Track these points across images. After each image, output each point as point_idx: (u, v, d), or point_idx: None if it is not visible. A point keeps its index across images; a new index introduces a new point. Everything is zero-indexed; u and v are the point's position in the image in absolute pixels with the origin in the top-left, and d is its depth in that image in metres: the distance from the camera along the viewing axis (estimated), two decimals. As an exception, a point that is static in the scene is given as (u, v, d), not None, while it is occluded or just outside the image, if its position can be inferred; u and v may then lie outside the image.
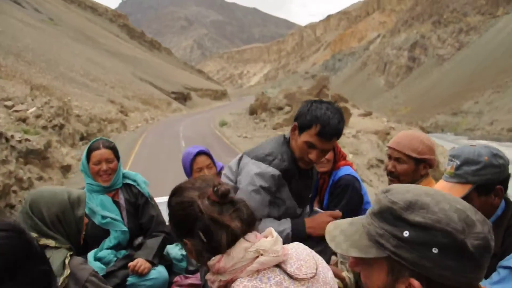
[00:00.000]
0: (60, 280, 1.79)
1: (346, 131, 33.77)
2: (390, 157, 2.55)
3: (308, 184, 2.56)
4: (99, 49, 57.37)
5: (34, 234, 1.85)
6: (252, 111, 35.17)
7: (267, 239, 1.34)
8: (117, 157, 2.88)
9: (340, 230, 1.14)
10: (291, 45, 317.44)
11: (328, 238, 1.15)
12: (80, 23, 68.35)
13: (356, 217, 1.15)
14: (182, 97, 57.75)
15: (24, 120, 13.03)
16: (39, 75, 31.20)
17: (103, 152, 2.79)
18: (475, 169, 1.87)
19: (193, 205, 1.35)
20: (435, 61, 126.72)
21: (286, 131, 2.54)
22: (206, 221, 1.32)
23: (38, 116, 13.63)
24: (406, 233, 0.94)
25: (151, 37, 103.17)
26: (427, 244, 0.92)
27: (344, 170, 3.05)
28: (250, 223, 1.37)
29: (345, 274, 2.23)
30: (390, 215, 0.98)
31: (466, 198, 1.81)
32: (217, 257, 1.31)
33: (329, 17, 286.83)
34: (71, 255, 1.91)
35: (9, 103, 13.99)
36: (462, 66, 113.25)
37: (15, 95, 14.98)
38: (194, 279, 2.71)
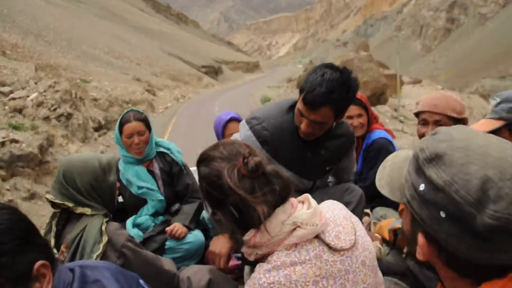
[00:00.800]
0: (100, 247, 1.85)
1: (405, 102, 30.26)
2: (425, 122, 2.42)
3: (313, 156, 2.29)
4: (125, 25, 54.44)
5: (70, 204, 1.94)
6: (301, 84, 31.53)
7: (304, 211, 1.28)
8: (148, 128, 2.86)
9: (391, 163, 1.10)
10: (319, 12, 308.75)
11: (380, 167, 1.13)
12: (105, 0, 65.45)
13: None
14: (213, 71, 54.40)
15: (20, 110, 10.08)
16: (59, 55, 28.47)
17: (134, 125, 2.79)
18: (511, 106, 1.89)
19: (221, 179, 1.27)
20: (477, 21, 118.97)
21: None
22: (236, 198, 1.24)
23: (39, 105, 10.62)
24: (422, 186, 0.88)
25: (178, 11, 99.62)
26: (436, 205, 0.85)
27: (377, 134, 3.00)
28: (286, 196, 1.30)
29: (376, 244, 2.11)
30: (416, 162, 0.93)
31: (497, 134, 1.79)
32: (252, 231, 1.26)
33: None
34: (107, 221, 1.96)
35: (5, 89, 11.07)
36: (508, 25, 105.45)
37: (16, 79, 12.01)
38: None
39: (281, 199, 1.27)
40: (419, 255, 0.94)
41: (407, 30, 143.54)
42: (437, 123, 2.37)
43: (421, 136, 2.40)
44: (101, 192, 2.02)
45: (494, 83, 76.14)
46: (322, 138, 2.28)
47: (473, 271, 0.88)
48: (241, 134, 2.29)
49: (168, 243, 2.67)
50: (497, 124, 1.90)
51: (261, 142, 2.23)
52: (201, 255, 2.75)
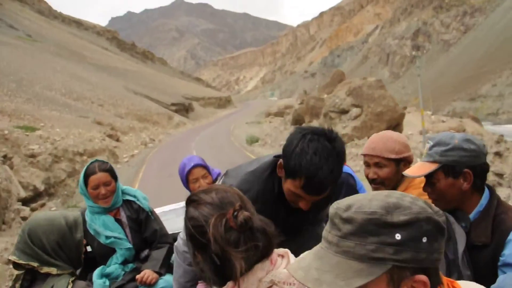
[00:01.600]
0: None
1: (407, 131, 27.09)
2: (368, 164, 2.51)
3: (298, 218, 2.13)
4: (84, 63, 50.50)
5: (35, 264, 1.90)
6: (297, 119, 27.39)
7: (282, 270, 1.26)
8: (114, 177, 2.86)
9: (315, 269, 1.00)
10: (285, 46, 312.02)
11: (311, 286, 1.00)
12: (63, 38, 61.54)
13: (306, 252, 1.05)
14: (184, 109, 50.62)
15: None
16: (5, 99, 24.40)
17: (99, 176, 2.79)
18: (444, 149, 1.95)
19: (207, 226, 1.26)
20: (441, 47, 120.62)
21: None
22: (219, 248, 1.23)
23: None
24: (398, 236, 0.92)
25: (144, 48, 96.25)
26: (417, 237, 0.91)
27: None
28: (267, 253, 1.29)
29: None
30: (374, 226, 0.94)
31: (432, 176, 1.96)
32: (229, 284, 1.24)
33: (322, 14, 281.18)
34: (73, 281, 1.94)
35: None
36: (470, 50, 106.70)
37: None
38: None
39: (262, 256, 1.26)
40: None
41: (374, 59, 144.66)
42: (377, 165, 2.44)
43: (366, 176, 2.50)
44: (67, 250, 1.97)
45: (465, 105, 75.67)
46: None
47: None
48: None
49: None
50: (432, 167, 1.97)
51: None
52: None
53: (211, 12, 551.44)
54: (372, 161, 2.47)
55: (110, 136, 21.21)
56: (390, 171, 2.44)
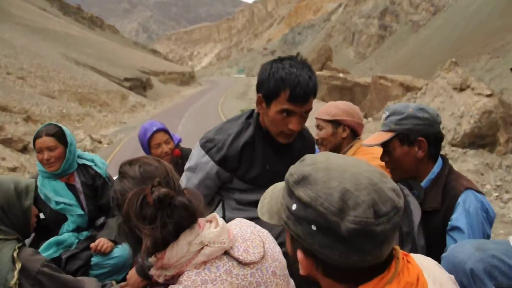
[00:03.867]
0: (15, 275, 1.76)
1: None
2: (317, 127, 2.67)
3: (285, 164, 1.96)
4: (10, 22, 38.17)
5: None
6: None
7: (211, 230, 1.27)
8: (62, 142, 2.75)
9: (271, 193, 1.17)
10: (241, 22, 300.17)
11: (261, 198, 1.18)
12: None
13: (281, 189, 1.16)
14: (141, 85, 39.22)
15: None
16: None
17: (43, 140, 2.70)
18: (399, 118, 2.03)
19: (125, 202, 1.24)
20: (409, 28, 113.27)
21: None
22: (133, 224, 1.23)
23: None
24: (294, 206, 0.96)
25: (91, 13, 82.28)
26: (307, 220, 0.93)
27: None
28: (188, 225, 1.27)
29: None
30: (287, 186, 1.01)
31: (388, 145, 2.05)
32: (159, 253, 1.24)
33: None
34: (19, 247, 1.86)
35: None
36: (442, 32, 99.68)
37: None
38: None
39: (183, 228, 1.25)
40: (301, 270, 1.01)
41: (338, 37, 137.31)
42: (318, 127, 2.63)
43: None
44: (13, 216, 1.90)
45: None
46: (291, 143, 2.12)
47: (348, 276, 0.97)
48: (194, 159, 2.10)
49: (94, 259, 2.59)
50: (388, 135, 2.04)
51: (220, 165, 2.04)
52: (128, 268, 2.60)
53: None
54: (316, 123, 2.65)
55: (10, 142, 10.52)
56: (326, 132, 2.58)
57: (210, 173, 2.05)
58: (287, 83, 1.86)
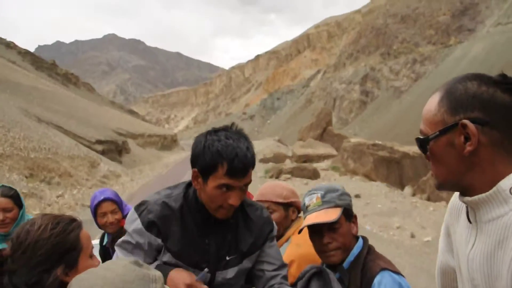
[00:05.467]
0: None
1: None
2: None
3: (213, 242, 1.99)
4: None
5: None
6: None
7: None
8: (18, 204, 2.82)
9: None
10: (219, 87, 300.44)
11: None
12: None
13: None
14: (116, 149, 32.22)
15: None
16: None
17: (0, 201, 2.76)
18: (338, 194, 2.04)
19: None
20: (391, 94, 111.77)
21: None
22: None
23: None
24: None
25: (66, 70, 76.23)
26: None
27: None
28: None
29: None
30: None
31: (338, 221, 1.97)
32: None
33: (258, 57, 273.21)
34: None
35: None
36: (426, 98, 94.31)
37: None
38: None
39: None
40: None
41: (318, 103, 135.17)
42: (268, 209, 2.40)
43: None
44: None
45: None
46: (228, 221, 1.98)
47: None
48: (131, 226, 1.94)
49: None
50: (338, 211, 1.97)
51: (147, 229, 1.90)
52: None
53: (143, 49, 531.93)
54: (265, 206, 2.42)
55: None
56: (279, 216, 2.46)
57: (140, 240, 1.88)
58: (224, 156, 1.76)
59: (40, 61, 68.43)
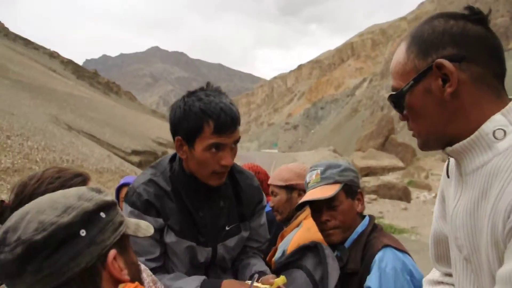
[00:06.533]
0: None
1: None
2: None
3: (208, 213, 1.91)
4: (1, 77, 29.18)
5: None
6: None
7: None
8: None
9: None
10: (261, 97, 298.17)
11: None
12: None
13: None
14: (154, 160, 29.07)
15: None
16: None
17: None
18: (339, 170, 1.95)
19: None
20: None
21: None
22: None
23: None
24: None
25: (108, 79, 74.65)
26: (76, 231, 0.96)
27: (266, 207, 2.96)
28: None
29: None
30: None
31: (336, 198, 1.90)
32: None
33: (300, 66, 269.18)
34: None
35: None
36: None
37: None
38: None
39: None
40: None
41: (365, 112, 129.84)
42: (272, 194, 2.49)
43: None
44: None
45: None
46: (219, 188, 1.87)
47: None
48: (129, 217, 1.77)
49: None
50: (335, 187, 1.90)
51: (145, 212, 1.79)
52: None
53: (186, 61, 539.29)
54: (270, 190, 2.51)
55: None
56: (280, 199, 2.42)
57: None
58: (209, 114, 1.66)
59: (82, 70, 66.81)
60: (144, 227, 1.13)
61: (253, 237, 2.10)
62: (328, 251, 1.87)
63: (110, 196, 1.07)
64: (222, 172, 1.77)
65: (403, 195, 15.93)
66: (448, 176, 1.26)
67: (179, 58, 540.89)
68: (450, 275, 1.35)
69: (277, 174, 2.49)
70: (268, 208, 2.80)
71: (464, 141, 1.09)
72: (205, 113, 1.65)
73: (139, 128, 37.45)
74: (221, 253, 1.93)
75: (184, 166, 1.83)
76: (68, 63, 64.98)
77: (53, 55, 65.35)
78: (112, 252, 0.95)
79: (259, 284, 1.70)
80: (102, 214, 0.96)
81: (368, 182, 18.13)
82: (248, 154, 66.15)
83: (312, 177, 2.00)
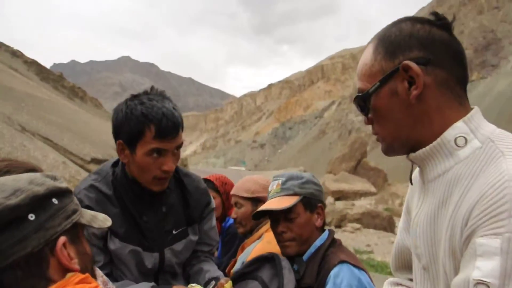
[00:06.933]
0: None
1: None
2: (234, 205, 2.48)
3: (151, 218, 1.87)
4: None
5: None
6: None
7: None
8: None
9: None
10: (229, 113, 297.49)
11: None
12: None
13: None
14: (116, 170, 27.12)
15: None
16: None
17: None
18: (300, 182, 1.92)
19: None
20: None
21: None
22: None
23: None
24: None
25: (73, 83, 71.44)
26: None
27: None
28: None
29: None
30: None
31: (291, 211, 1.86)
32: None
33: (270, 85, 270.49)
34: None
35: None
36: None
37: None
38: None
39: None
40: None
41: (332, 134, 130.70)
42: (236, 205, 2.41)
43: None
44: None
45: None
46: (162, 193, 1.85)
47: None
48: None
49: None
50: (294, 199, 1.87)
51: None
52: None
53: (156, 73, 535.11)
54: (234, 201, 2.43)
55: None
56: (245, 211, 2.34)
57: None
58: (150, 118, 1.63)
59: (47, 72, 63.53)
60: (101, 218, 1.10)
61: (203, 241, 2.07)
62: (284, 262, 1.85)
63: (65, 184, 1.02)
64: (163, 178, 1.74)
65: (388, 225, 14.68)
66: (411, 183, 1.26)
67: (149, 69, 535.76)
68: (411, 280, 1.34)
69: (241, 185, 2.42)
70: (231, 221, 2.81)
71: (427, 148, 1.09)
72: (147, 117, 1.62)
73: (102, 136, 35.17)
74: (168, 258, 1.89)
75: (126, 170, 1.80)
76: (32, 64, 61.68)
77: (16, 53, 61.94)
78: (62, 239, 0.92)
79: None
80: (54, 200, 0.94)
81: (350, 209, 16.80)
82: (214, 170, 64.28)
83: (273, 187, 1.97)
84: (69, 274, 0.90)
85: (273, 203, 1.89)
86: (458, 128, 1.06)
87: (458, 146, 1.05)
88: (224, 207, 2.99)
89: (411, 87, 1.09)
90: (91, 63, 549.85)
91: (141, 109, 1.63)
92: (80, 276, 0.91)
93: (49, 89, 54.79)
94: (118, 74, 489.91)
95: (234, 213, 2.44)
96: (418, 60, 1.08)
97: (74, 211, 0.99)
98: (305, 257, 1.88)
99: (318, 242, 1.88)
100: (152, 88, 1.79)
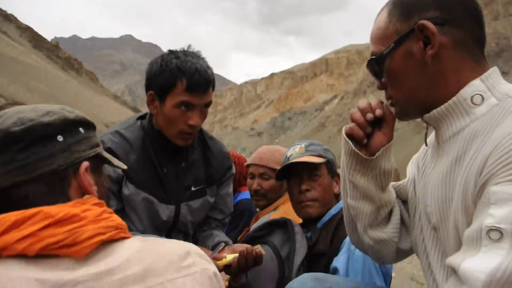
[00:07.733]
0: None
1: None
2: (253, 176, 2.39)
3: (171, 172, 1.89)
4: None
5: None
6: None
7: None
8: None
9: None
10: (228, 100, 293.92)
11: None
12: None
13: None
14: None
15: None
16: None
17: None
18: (323, 148, 1.94)
19: None
20: (413, 127, 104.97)
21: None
22: None
23: None
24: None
25: (70, 54, 68.17)
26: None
27: (243, 195, 2.92)
28: None
29: None
30: None
31: (319, 169, 1.88)
32: None
33: (272, 75, 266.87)
34: None
35: None
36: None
37: None
38: None
39: None
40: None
41: (332, 128, 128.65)
42: (262, 176, 2.34)
43: (250, 187, 2.41)
44: None
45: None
46: (186, 149, 1.89)
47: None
48: None
49: None
50: (321, 160, 1.88)
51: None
52: None
53: (158, 53, 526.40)
54: (257, 171, 2.35)
55: None
56: (274, 183, 2.29)
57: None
58: (183, 71, 1.67)
59: (41, 39, 60.30)
60: (117, 162, 1.15)
61: (218, 206, 2.07)
62: (297, 228, 1.84)
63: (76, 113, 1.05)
64: (189, 133, 1.76)
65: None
66: (426, 145, 1.24)
67: (152, 49, 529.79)
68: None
69: (271, 155, 2.32)
70: (243, 197, 2.81)
71: (442, 107, 1.07)
72: (180, 70, 1.67)
73: (92, 110, 32.43)
74: (184, 213, 1.90)
75: (153, 122, 1.84)
76: (26, 30, 58.49)
77: (9, 17, 58.54)
78: (85, 163, 0.96)
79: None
80: (81, 129, 0.98)
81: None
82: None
83: (295, 150, 1.93)
84: (86, 196, 0.95)
85: (302, 159, 1.84)
86: (474, 86, 1.04)
87: (475, 104, 1.03)
88: (235, 181, 2.74)
89: (426, 48, 1.07)
90: (93, 39, 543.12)
91: (176, 62, 1.67)
92: (97, 200, 0.95)
93: (41, 57, 51.63)
94: (119, 52, 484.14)
95: (257, 184, 2.31)
96: (434, 20, 1.05)
97: (97, 144, 1.03)
98: (319, 224, 1.84)
99: (333, 211, 1.86)
100: (189, 46, 1.80)
